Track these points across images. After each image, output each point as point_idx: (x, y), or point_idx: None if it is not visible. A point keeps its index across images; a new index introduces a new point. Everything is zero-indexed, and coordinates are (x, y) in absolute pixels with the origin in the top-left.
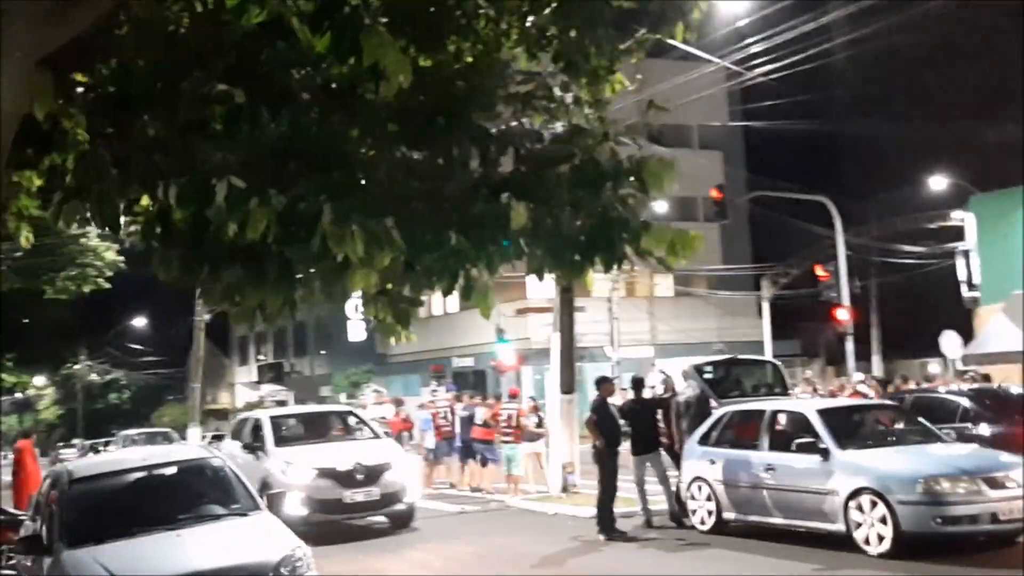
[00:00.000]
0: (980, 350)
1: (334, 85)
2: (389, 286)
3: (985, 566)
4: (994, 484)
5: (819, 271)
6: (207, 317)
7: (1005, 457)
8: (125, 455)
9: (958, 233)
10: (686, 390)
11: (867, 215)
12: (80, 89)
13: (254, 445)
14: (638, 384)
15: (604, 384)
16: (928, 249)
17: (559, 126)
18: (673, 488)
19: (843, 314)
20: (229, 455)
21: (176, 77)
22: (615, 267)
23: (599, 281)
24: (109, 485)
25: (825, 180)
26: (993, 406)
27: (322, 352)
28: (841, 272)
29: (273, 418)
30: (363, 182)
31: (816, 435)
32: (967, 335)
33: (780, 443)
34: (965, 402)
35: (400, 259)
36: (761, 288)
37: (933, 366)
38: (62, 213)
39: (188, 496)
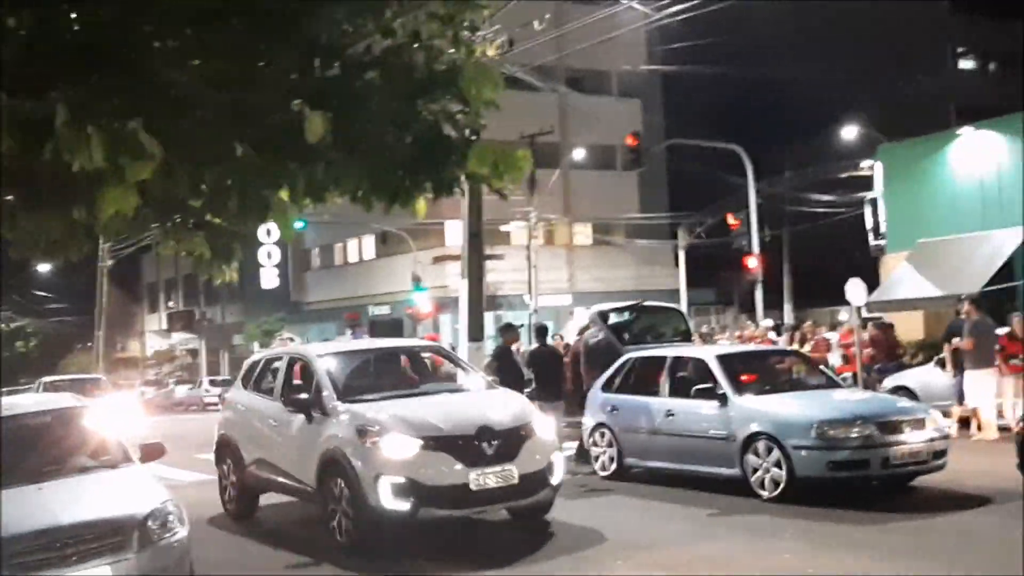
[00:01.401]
0: (884, 297)
1: None
2: (210, 217)
3: (873, 511)
4: (888, 429)
5: (730, 219)
6: (110, 262)
7: (902, 402)
8: None
9: (868, 182)
10: (595, 335)
11: (782, 164)
12: None
13: (300, 400)
14: (542, 332)
15: (508, 332)
16: (839, 198)
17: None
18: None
19: (753, 262)
20: (248, 410)
21: None
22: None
23: (519, 230)
24: None
25: (743, 129)
26: None
27: (234, 299)
28: (752, 221)
29: (323, 357)
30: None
31: (715, 381)
32: (874, 283)
33: (681, 389)
34: None
35: (184, 179)
36: (677, 237)
37: (842, 314)
38: None
39: (54, 448)
